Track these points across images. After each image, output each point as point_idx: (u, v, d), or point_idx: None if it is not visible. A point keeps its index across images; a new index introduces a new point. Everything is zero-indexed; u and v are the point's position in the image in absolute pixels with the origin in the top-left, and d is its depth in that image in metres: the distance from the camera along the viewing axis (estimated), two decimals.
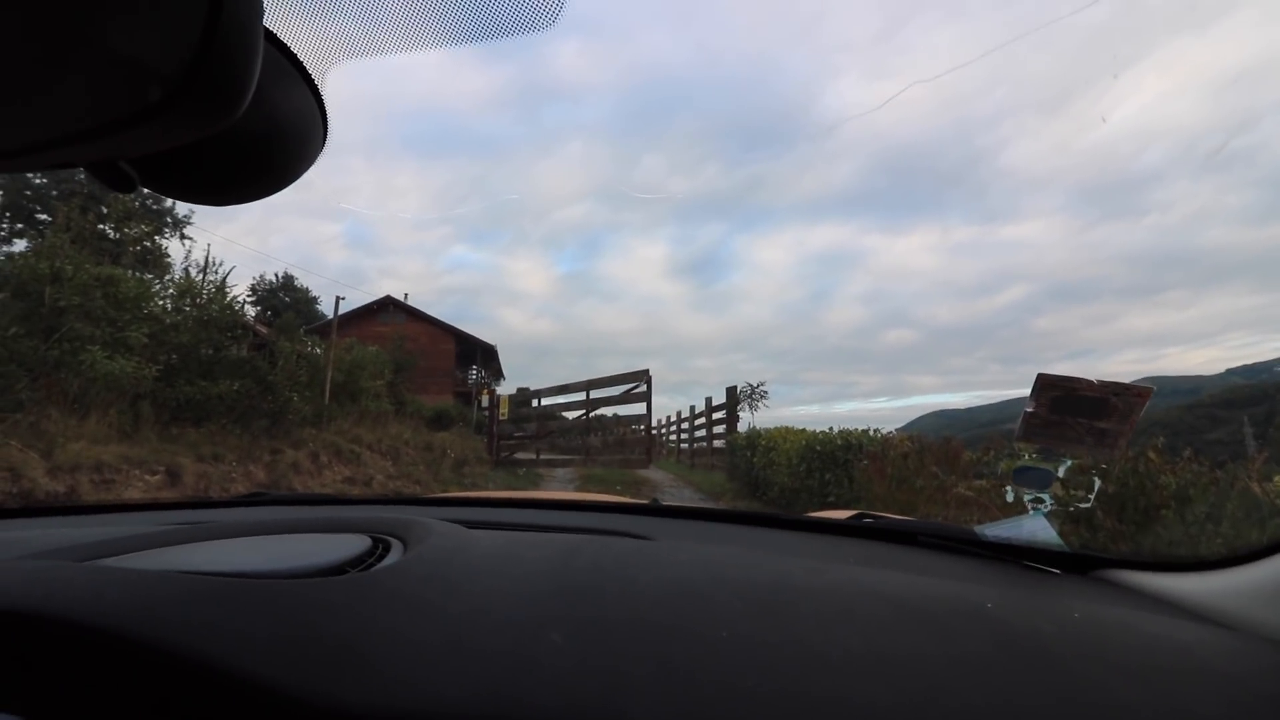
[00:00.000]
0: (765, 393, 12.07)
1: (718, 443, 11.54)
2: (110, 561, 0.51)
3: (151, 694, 0.34)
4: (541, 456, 11.98)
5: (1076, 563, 0.68)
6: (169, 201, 15.82)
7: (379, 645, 0.37)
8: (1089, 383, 0.66)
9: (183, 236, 17.08)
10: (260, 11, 0.29)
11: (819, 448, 6.09)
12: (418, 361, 18.46)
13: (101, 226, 9.56)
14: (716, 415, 11.67)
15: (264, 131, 0.38)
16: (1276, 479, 2.69)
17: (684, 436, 15.15)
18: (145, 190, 0.39)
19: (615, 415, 11.14)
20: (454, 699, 0.34)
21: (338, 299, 12.77)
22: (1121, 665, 0.39)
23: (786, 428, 7.70)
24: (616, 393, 10.79)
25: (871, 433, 5.88)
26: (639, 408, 10.58)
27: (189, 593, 0.40)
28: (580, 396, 11.24)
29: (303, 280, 30.27)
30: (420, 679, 0.35)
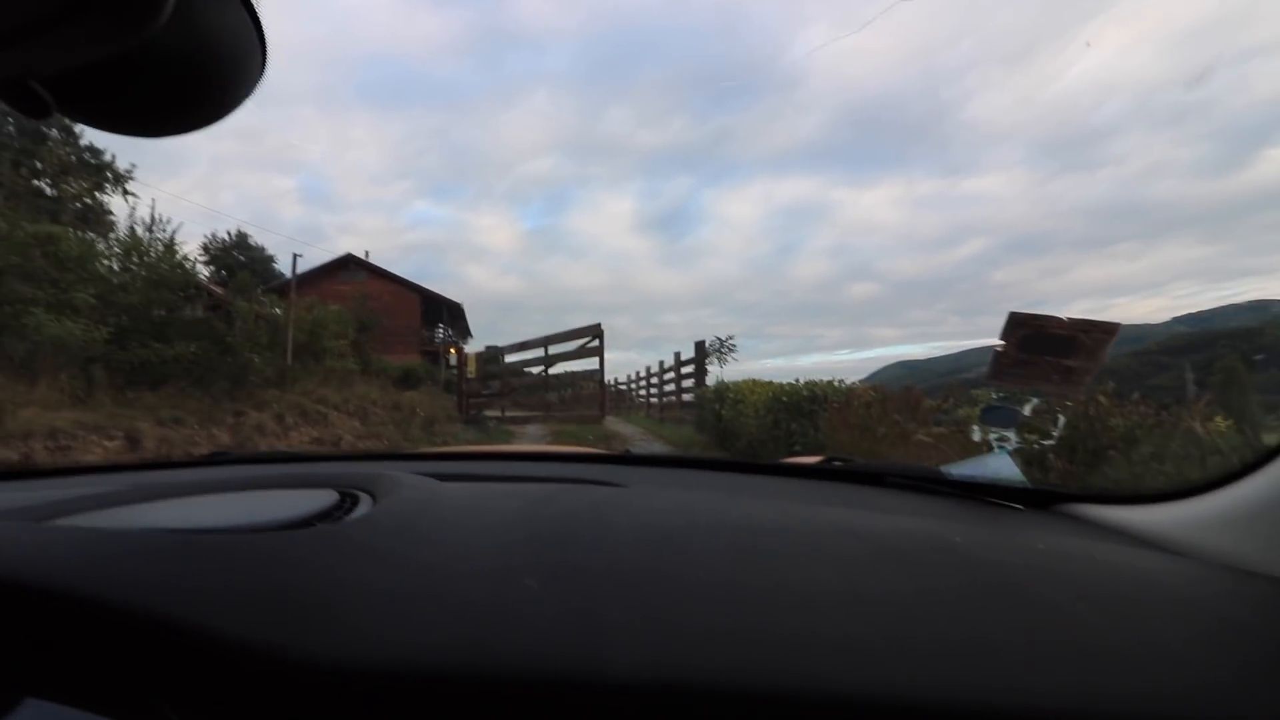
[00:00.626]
0: (733, 346, 12.14)
1: (686, 397, 11.65)
2: (64, 521, 0.49)
3: (108, 653, 0.33)
4: (506, 414, 11.97)
5: (1038, 498, 0.71)
6: (109, 154, 14.97)
7: (348, 597, 0.36)
8: (1059, 320, 0.67)
9: (125, 192, 16.10)
10: None
11: (785, 399, 6.19)
12: (382, 320, 18.08)
13: (37, 182, 9.03)
14: (685, 370, 11.73)
15: (192, 51, 0.34)
16: (1217, 420, 2.84)
17: (653, 392, 15.25)
18: (65, 119, 0.35)
19: (586, 370, 11.18)
20: (427, 648, 0.33)
21: (295, 256, 12.43)
22: (1088, 593, 0.40)
23: (754, 380, 7.79)
24: (572, 348, 10.79)
25: (836, 383, 5.99)
26: (595, 363, 10.62)
27: (143, 549, 0.38)
28: (539, 353, 11.22)
29: (257, 238, 29.04)
30: (391, 629, 0.34)
